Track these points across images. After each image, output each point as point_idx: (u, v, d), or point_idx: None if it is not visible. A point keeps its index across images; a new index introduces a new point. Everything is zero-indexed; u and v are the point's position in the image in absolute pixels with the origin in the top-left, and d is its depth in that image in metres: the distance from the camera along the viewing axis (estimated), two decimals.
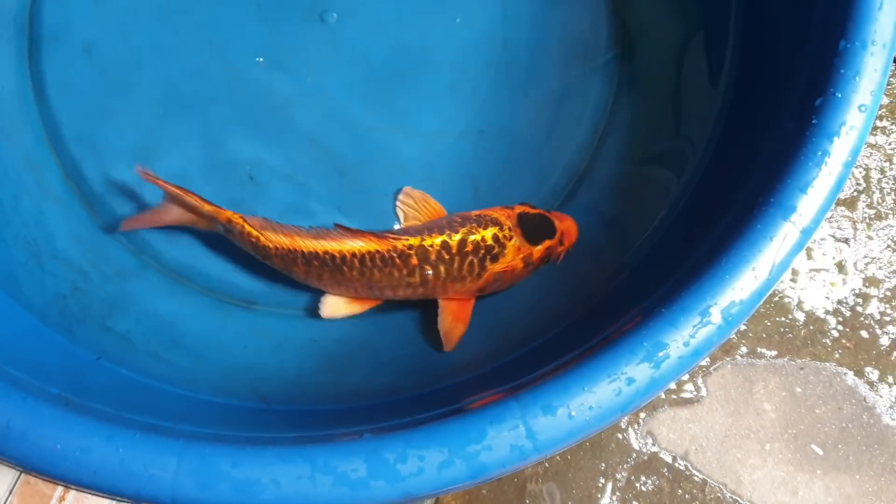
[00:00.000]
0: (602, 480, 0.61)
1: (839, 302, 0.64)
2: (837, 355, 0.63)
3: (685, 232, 0.54)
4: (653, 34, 0.62)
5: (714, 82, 0.59)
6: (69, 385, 0.45)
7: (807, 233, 0.42)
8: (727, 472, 0.61)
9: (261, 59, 0.60)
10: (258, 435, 0.45)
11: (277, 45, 0.61)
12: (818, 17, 0.48)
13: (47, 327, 0.54)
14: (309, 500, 0.37)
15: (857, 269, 0.65)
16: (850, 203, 0.66)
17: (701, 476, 0.61)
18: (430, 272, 0.51)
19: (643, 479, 0.61)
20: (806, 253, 0.65)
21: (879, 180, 0.66)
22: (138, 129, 0.59)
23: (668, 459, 0.61)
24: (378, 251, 0.50)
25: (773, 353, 0.63)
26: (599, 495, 0.60)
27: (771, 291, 0.43)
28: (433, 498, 0.51)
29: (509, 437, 0.38)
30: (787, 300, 0.64)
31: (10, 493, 0.58)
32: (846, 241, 0.65)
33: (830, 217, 0.66)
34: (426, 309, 0.56)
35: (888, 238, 0.66)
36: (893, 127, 0.67)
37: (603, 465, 0.61)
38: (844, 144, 0.43)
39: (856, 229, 0.66)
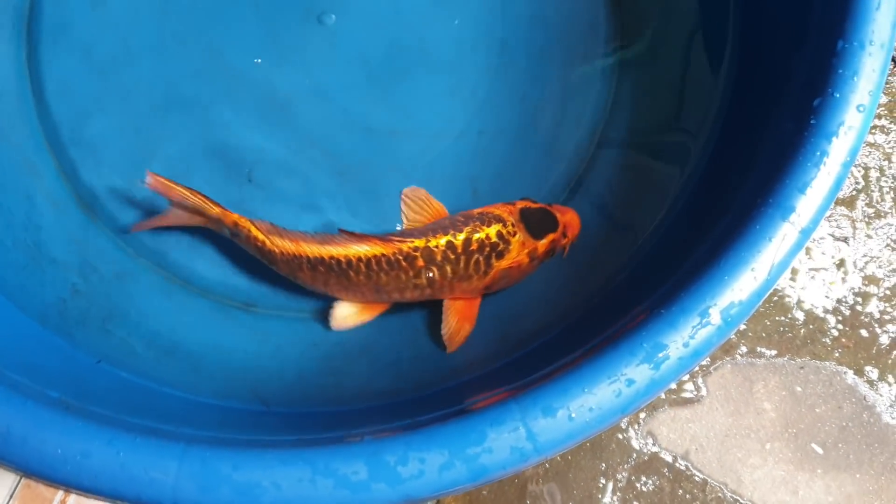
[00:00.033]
0: (603, 481, 0.61)
1: (839, 301, 0.65)
2: (837, 354, 0.63)
3: (684, 232, 0.54)
4: (652, 34, 0.62)
5: (712, 83, 0.59)
6: (69, 389, 0.45)
7: (806, 233, 0.42)
8: (728, 471, 0.61)
9: (259, 61, 0.60)
10: (259, 438, 0.45)
11: (276, 46, 0.61)
12: (816, 17, 0.48)
13: (47, 331, 0.54)
14: (310, 502, 0.37)
15: (856, 268, 0.65)
16: (850, 202, 0.66)
17: (701, 476, 0.61)
18: (436, 273, 0.51)
19: (644, 479, 0.61)
20: (805, 252, 0.65)
21: (878, 179, 0.66)
22: (137, 131, 0.59)
23: (669, 459, 0.61)
24: (384, 254, 0.50)
25: (773, 352, 0.63)
26: (600, 495, 0.60)
27: (770, 291, 0.43)
28: (434, 500, 0.51)
29: (509, 438, 0.38)
30: (786, 299, 0.64)
31: (11, 496, 0.58)
32: (845, 239, 0.65)
33: (829, 216, 0.66)
34: (426, 311, 0.56)
35: (887, 237, 0.66)
36: (892, 125, 0.67)
37: (603, 465, 0.61)
38: (843, 145, 0.43)
39: (855, 228, 0.66)
